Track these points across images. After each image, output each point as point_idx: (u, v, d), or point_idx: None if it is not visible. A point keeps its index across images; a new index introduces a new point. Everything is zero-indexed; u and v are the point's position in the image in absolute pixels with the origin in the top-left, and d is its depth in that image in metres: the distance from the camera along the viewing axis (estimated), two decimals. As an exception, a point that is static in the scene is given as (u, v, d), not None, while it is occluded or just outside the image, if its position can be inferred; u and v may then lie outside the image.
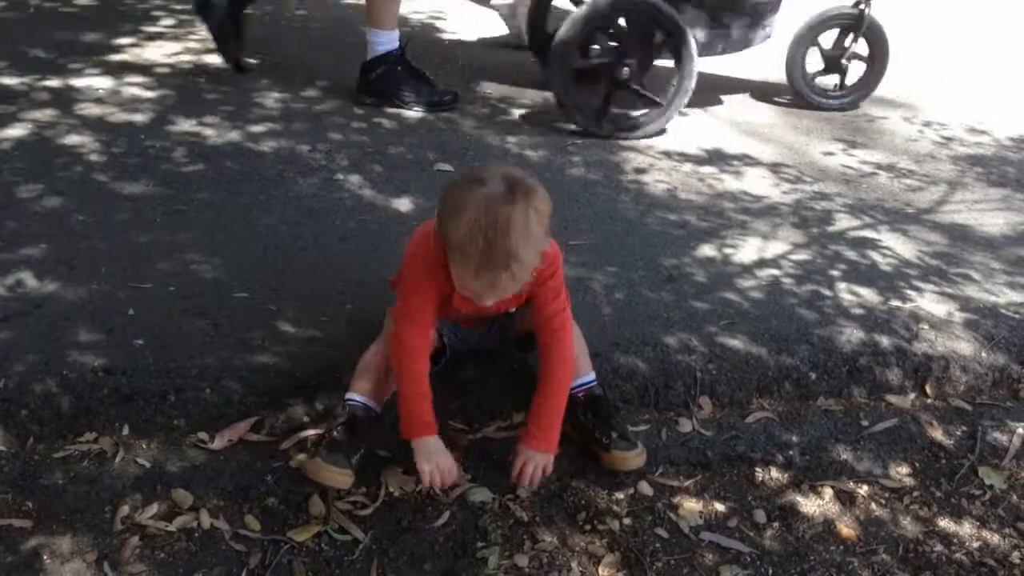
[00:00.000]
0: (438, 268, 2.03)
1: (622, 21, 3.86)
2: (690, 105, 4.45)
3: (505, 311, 2.27)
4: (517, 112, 4.16)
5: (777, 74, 5.07)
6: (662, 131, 4.01)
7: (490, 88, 4.43)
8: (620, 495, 2.22)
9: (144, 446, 2.21)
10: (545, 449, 2.16)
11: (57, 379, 2.23)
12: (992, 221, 3.48)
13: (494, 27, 5.37)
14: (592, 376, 2.31)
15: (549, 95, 4.39)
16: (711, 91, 4.73)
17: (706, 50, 4.06)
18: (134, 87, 4.08)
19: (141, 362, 2.30)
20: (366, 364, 2.23)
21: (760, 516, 2.21)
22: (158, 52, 4.59)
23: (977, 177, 3.90)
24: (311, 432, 2.27)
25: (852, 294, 2.88)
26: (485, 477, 2.22)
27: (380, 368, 2.21)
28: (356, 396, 2.18)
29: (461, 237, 1.88)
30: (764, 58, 5.41)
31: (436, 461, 2.09)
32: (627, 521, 2.15)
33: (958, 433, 2.51)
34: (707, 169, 3.75)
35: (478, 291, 2.00)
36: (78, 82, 4.08)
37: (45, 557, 1.92)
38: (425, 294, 2.11)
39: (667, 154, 3.86)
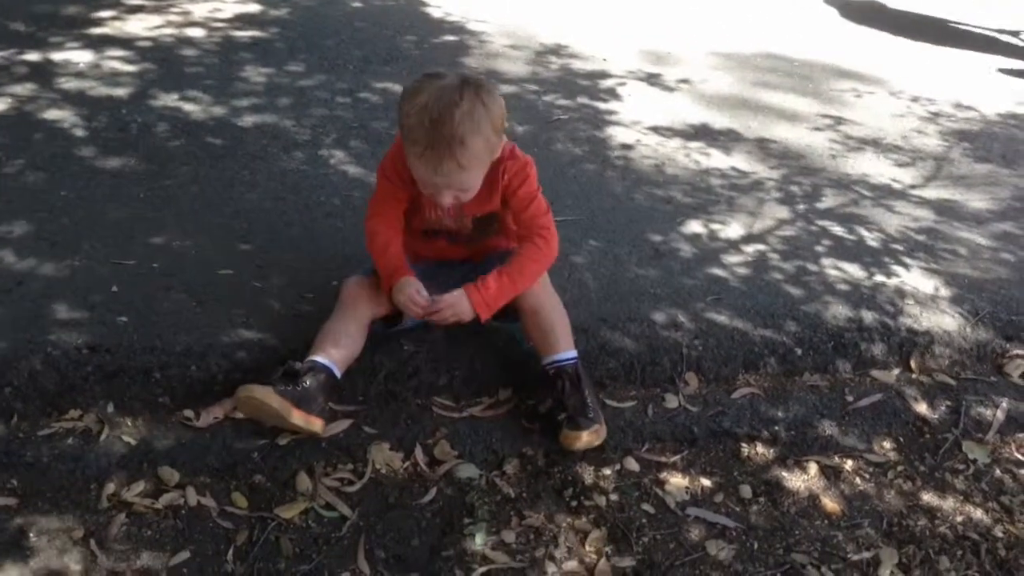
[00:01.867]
0: (408, 171, 2.19)
1: None
2: (678, 80, 4.45)
3: (481, 216, 2.33)
4: (503, 87, 4.13)
5: (767, 47, 5.07)
6: None
7: (474, 63, 4.40)
8: (607, 471, 2.23)
9: (129, 423, 2.19)
10: (474, 302, 2.23)
11: (40, 356, 2.21)
12: (978, 197, 3.49)
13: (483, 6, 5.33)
14: (566, 354, 2.29)
15: (536, 70, 4.37)
16: (699, 66, 4.72)
17: None
18: (115, 61, 4.04)
19: (125, 339, 2.29)
20: (328, 329, 2.25)
21: (746, 491, 2.22)
22: (139, 25, 4.53)
23: (964, 153, 3.90)
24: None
25: (838, 270, 2.88)
26: (472, 454, 2.22)
27: (340, 333, 2.23)
28: (319, 358, 2.19)
29: (410, 120, 2.04)
30: (755, 33, 5.40)
31: (407, 292, 2.21)
32: (613, 497, 2.16)
33: (942, 408, 2.52)
34: (694, 144, 3.74)
35: (431, 181, 2.11)
36: (58, 56, 4.03)
37: (31, 535, 1.91)
38: (398, 184, 2.27)
39: (654, 129, 3.85)
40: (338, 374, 2.20)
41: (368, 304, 2.30)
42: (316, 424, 2.14)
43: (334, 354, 2.20)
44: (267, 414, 2.11)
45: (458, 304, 2.22)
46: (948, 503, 2.24)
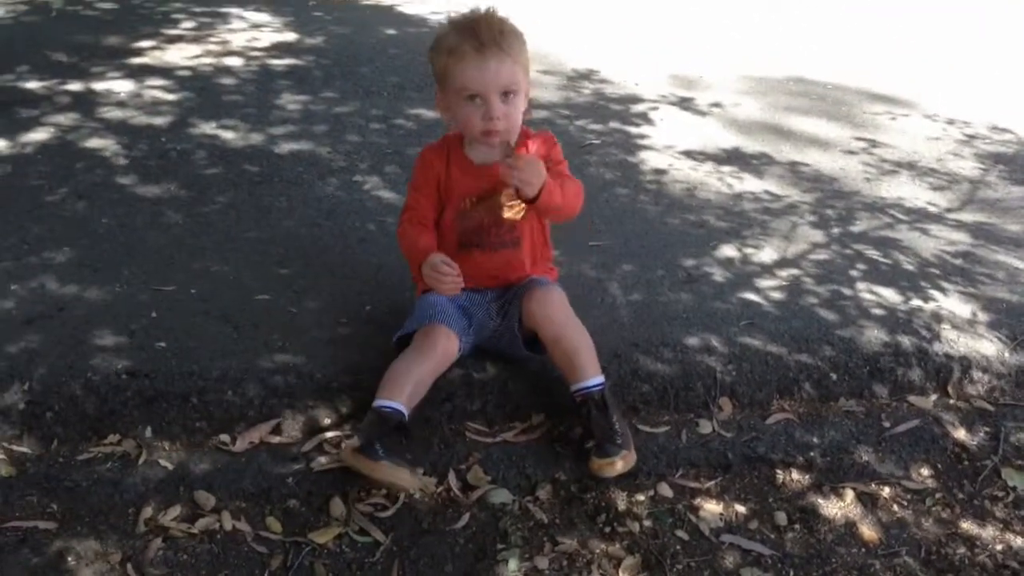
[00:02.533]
0: (438, 155, 2.35)
1: None
2: (710, 105, 4.45)
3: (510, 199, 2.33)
4: (536, 111, 4.15)
5: (799, 71, 5.06)
6: None
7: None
8: (640, 497, 2.22)
9: (167, 448, 2.22)
10: (539, 162, 2.21)
11: (81, 382, 2.25)
12: (1015, 219, 3.45)
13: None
14: (591, 381, 2.26)
15: (568, 95, 4.40)
16: (730, 90, 4.72)
17: None
18: (155, 90, 4.12)
19: (164, 364, 2.32)
20: (396, 372, 2.23)
21: (781, 518, 2.20)
22: (178, 55, 4.62)
23: (1000, 175, 3.87)
24: (332, 434, 2.28)
25: (873, 294, 2.86)
26: (505, 479, 2.22)
27: (407, 376, 2.22)
28: (399, 405, 2.17)
29: (448, 39, 2.18)
30: (786, 56, 5.40)
31: (431, 262, 2.23)
32: (647, 523, 2.15)
33: (981, 434, 2.49)
34: (726, 168, 3.74)
35: (478, 78, 2.15)
36: (99, 85, 4.12)
37: (70, 559, 1.94)
38: (424, 191, 2.37)
39: (686, 153, 3.85)
40: (407, 419, 2.20)
41: (447, 356, 2.29)
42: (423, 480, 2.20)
43: (408, 400, 2.20)
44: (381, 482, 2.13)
45: (536, 165, 2.20)
46: (988, 531, 2.21)
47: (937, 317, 2.76)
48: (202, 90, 4.16)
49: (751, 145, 4.00)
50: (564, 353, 2.28)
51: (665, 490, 2.24)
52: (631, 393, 2.44)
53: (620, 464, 2.18)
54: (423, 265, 2.26)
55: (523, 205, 2.32)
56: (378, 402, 2.17)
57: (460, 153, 2.35)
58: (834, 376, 2.57)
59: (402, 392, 2.18)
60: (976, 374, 2.63)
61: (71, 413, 2.22)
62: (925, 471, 2.38)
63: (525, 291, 2.33)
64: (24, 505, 2.05)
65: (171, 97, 4.05)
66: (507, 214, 2.32)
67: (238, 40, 4.95)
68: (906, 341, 2.65)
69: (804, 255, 3.08)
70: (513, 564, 2.01)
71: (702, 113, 4.36)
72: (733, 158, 3.85)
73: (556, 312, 2.31)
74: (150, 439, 2.23)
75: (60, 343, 2.36)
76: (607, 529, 2.12)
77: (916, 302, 2.83)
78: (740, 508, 2.23)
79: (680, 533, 2.13)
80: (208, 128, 3.74)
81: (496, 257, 2.39)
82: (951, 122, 4.47)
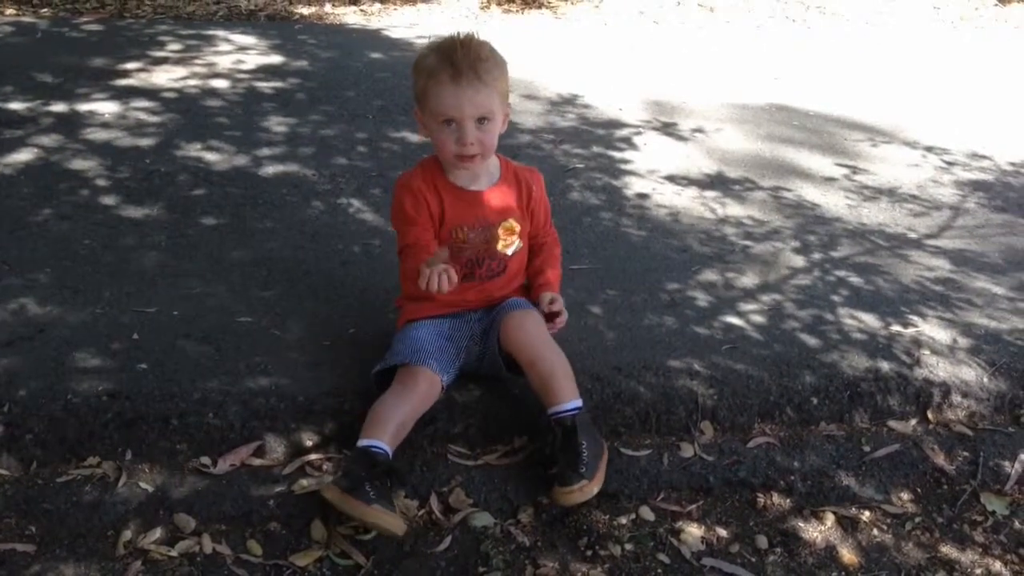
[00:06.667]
0: (424, 184, 2.32)
1: None
2: (692, 130, 4.49)
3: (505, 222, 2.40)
4: (519, 136, 4.18)
5: (781, 99, 5.12)
6: None
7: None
8: (622, 520, 2.22)
9: (147, 470, 2.21)
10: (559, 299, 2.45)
11: (61, 403, 2.24)
12: (995, 246, 3.49)
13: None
14: (564, 406, 2.24)
15: (551, 120, 4.43)
16: (713, 117, 4.76)
17: None
18: (140, 111, 4.12)
19: (144, 386, 2.31)
20: (381, 413, 2.20)
21: (762, 542, 2.21)
22: (165, 77, 4.63)
23: (979, 202, 3.91)
24: (314, 457, 2.27)
25: (854, 319, 2.88)
26: (487, 502, 2.22)
27: (391, 417, 2.19)
28: (385, 445, 2.14)
29: (428, 60, 2.21)
30: (768, 83, 5.46)
31: (434, 269, 2.14)
32: (628, 546, 2.15)
33: (960, 459, 2.51)
34: (709, 194, 3.77)
35: (453, 104, 2.18)
36: (84, 107, 4.12)
37: (47, 582, 1.92)
38: (420, 222, 2.33)
39: (669, 178, 3.88)
40: (391, 459, 2.18)
41: (429, 398, 2.28)
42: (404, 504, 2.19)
43: (392, 441, 2.17)
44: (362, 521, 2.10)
45: (558, 300, 2.44)
46: (967, 555, 2.22)
47: (917, 342, 2.79)
48: (187, 112, 4.16)
49: (733, 171, 4.03)
50: (540, 376, 2.27)
51: (647, 513, 2.24)
52: (613, 416, 2.44)
53: (578, 495, 2.15)
54: (430, 260, 2.16)
55: (516, 239, 2.39)
56: (364, 442, 2.14)
57: (444, 180, 2.35)
58: (815, 400, 2.58)
59: (386, 432, 2.16)
60: (956, 399, 2.65)
61: (51, 435, 2.21)
62: (905, 495, 2.39)
63: (502, 314, 2.34)
64: (2, 528, 2.03)
65: (156, 119, 4.05)
66: (500, 246, 2.34)
67: (224, 62, 4.97)
68: (886, 366, 2.67)
69: (786, 280, 3.10)
70: (494, 588, 2.01)
71: (685, 139, 4.39)
72: (716, 183, 3.88)
73: (532, 336, 2.31)
74: (130, 461, 2.22)
75: (40, 364, 2.35)
76: (589, 552, 2.13)
77: (897, 327, 2.85)
78: (721, 531, 2.23)
79: (661, 556, 2.14)
80: (193, 150, 3.75)
81: (483, 287, 2.40)
82: (931, 149, 4.52)
